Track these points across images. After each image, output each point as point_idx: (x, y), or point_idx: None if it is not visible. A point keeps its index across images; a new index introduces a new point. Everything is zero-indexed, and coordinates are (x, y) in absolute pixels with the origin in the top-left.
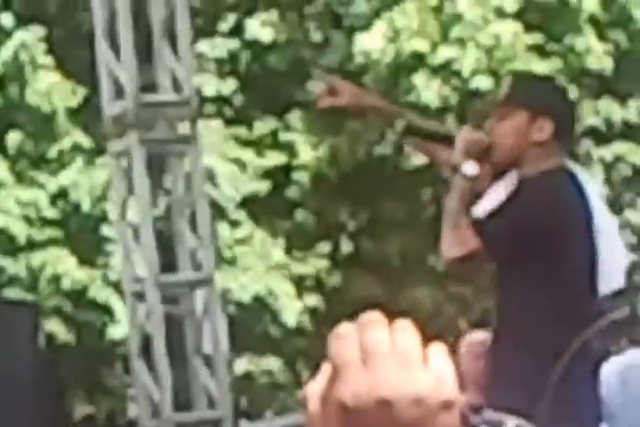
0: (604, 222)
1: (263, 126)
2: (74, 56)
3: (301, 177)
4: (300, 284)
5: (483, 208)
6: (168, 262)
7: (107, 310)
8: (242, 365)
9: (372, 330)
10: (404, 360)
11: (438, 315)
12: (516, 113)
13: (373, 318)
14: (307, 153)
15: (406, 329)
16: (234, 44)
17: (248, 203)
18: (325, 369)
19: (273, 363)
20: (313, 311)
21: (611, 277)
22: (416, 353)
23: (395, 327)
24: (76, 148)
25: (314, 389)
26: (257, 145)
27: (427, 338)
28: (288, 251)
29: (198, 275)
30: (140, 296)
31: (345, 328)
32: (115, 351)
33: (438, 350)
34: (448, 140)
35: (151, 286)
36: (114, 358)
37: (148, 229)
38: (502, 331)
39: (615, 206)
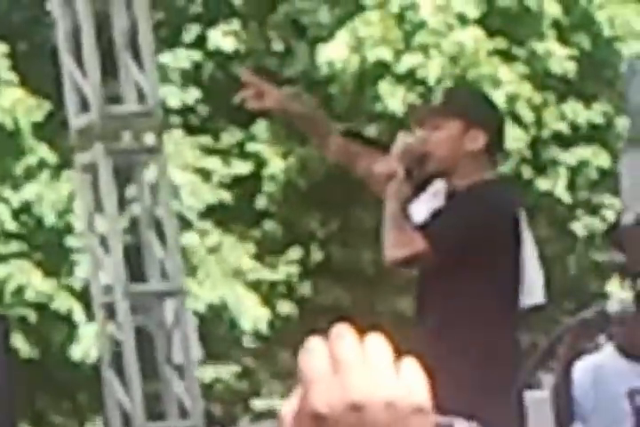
0: (528, 239)
1: (229, 137)
2: (38, 71)
3: (270, 187)
4: (269, 291)
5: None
6: (137, 273)
7: (70, 322)
8: (207, 372)
9: (342, 341)
10: (375, 367)
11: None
12: (450, 123)
13: (342, 330)
14: (275, 163)
15: (377, 340)
16: (197, 54)
17: (215, 212)
18: (297, 391)
19: (234, 370)
20: (284, 318)
21: (532, 291)
22: (387, 361)
23: (365, 339)
24: (42, 163)
25: (287, 409)
26: (223, 154)
27: (396, 344)
28: (258, 258)
29: (167, 285)
30: (109, 307)
31: (314, 342)
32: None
33: (410, 361)
34: (382, 147)
35: (120, 296)
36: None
37: (117, 240)
38: (437, 334)
39: (584, 209)
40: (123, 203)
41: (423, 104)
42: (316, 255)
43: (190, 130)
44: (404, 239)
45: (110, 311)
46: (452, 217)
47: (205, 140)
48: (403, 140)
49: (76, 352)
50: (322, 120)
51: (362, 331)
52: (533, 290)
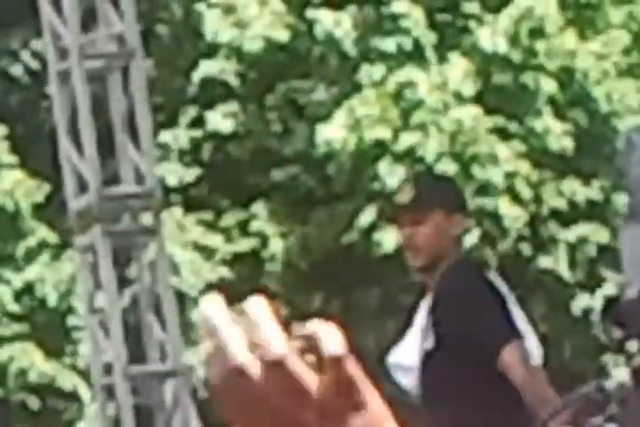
0: (515, 308)
1: (231, 216)
2: (37, 153)
3: (271, 267)
4: None
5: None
6: (137, 354)
7: (75, 399)
8: None
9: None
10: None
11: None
12: (431, 215)
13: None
14: (276, 243)
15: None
16: (196, 134)
17: (218, 288)
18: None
19: None
20: None
21: (533, 354)
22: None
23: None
24: (43, 244)
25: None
26: (225, 232)
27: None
28: None
29: (167, 366)
30: (109, 389)
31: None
32: None
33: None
34: None
35: (120, 377)
36: None
37: (116, 320)
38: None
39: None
40: (123, 282)
41: (396, 205)
42: None
43: (191, 207)
44: None
45: (110, 392)
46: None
47: (207, 216)
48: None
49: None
50: None
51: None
52: (534, 352)
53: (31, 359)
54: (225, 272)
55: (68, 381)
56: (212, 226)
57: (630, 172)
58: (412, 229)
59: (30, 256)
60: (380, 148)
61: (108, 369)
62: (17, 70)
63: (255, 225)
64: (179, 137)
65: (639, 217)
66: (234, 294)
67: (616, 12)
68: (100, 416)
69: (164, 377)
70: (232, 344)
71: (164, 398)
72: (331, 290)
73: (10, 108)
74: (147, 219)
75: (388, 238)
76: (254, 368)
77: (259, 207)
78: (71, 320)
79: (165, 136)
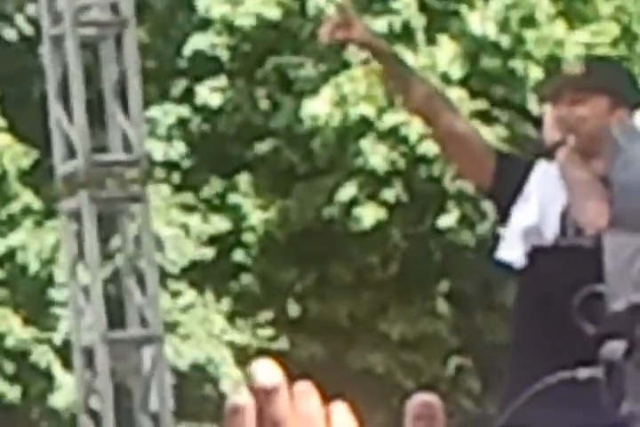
0: None
1: (211, 189)
2: (26, 118)
3: (250, 239)
4: (241, 353)
5: None
6: (116, 321)
7: (48, 377)
8: None
9: (271, 397)
10: (306, 422)
11: (386, 379)
12: (594, 97)
13: (270, 384)
14: (255, 215)
15: (306, 392)
16: (184, 109)
17: (191, 269)
18: None
19: None
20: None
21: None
22: (317, 414)
23: (295, 392)
24: (27, 210)
25: None
26: (203, 210)
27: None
28: (231, 318)
29: (146, 332)
30: (88, 353)
31: (240, 399)
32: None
33: (340, 408)
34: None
35: (100, 342)
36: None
37: (98, 286)
38: None
39: None
40: (106, 252)
41: (558, 77)
42: (293, 310)
43: (173, 186)
44: (604, 209)
45: (89, 357)
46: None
47: (187, 197)
48: (552, 111)
49: (57, 401)
50: (402, 62)
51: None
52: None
53: (9, 325)
54: (207, 251)
55: (43, 358)
56: (191, 206)
57: (615, 177)
58: (569, 110)
59: (14, 222)
60: (365, 125)
61: (87, 334)
62: (10, 34)
63: (234, 198)
64: (168, 112)
65: (623, 224)
66: (212, 272)
67: (606, 5)
68: (78, 380)
69: (143, 343)
70: None
71: (142, 366)
72: (306, 263)
73: (1, 71)
74: (133, 188)
75: (367, 215)
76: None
77: (241, 179)
78: (51, 293)
79: (154, 111)
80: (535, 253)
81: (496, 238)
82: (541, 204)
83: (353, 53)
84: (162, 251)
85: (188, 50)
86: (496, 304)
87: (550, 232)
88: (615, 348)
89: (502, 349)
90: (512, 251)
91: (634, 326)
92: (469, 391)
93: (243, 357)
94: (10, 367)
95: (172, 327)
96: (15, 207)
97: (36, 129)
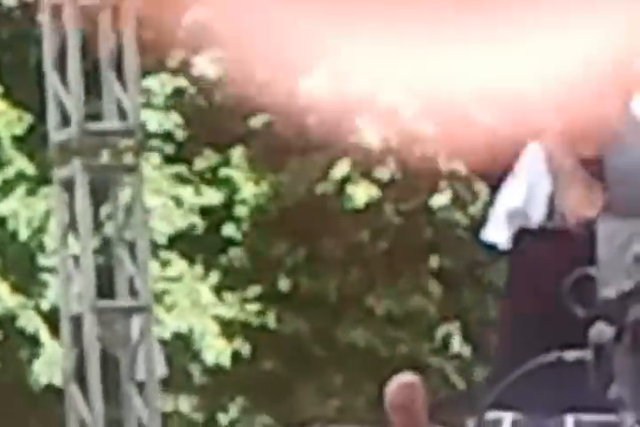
0: None
1: (204, 161)
2: (22, 85)
3: (241, 212)
4: (227, 327)
5: None
6: (106, 289)
7: (34, 342)
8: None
9: None
10: None
11: (371, 356)
12: None
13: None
14: (248, 189)
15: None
16: (182, 81)
17: (182, 240)
18: None
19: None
20: (238, 354)
21: None
22: None
23: None
24: (20, 175)
25: None
26: (196, 182)
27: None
28: (219, 292)
29: (135, 302)
30: (76, 321)
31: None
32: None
33: None
34: None
35: (88, 310)
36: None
37: (88, 254)
38: None
39: None
40: (98, 221)
41: None
42: (283, 284)
43: (166, 158)
44: (594, 198)
45: (77, 325)
46: None
47: (180, 168)
48: None
49: (40, 369)
50: None
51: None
52: None
53: None
54: (196, 219)
55: (30, 323)
56: (183, 178)
57: (611, 163)
58: None
59: (8, 187)
60: (361, 102)
61: (76, 302)
62: (9, 0)
63: (226, 171)
64: (164, 83)
65: (618, 210)
66: (203, 244)
67: None
68: (67, 348)
69: (131, 313)
70: None
71: (130, 335)
72: (297, 238)
73: None
74: (127, 158)
75: (360, 193)
76: None
77: (235, 153)
78: (41, 260)
79: (150, 82)
80: (522, 235)
81: (487, 219)
82: (529, 185)
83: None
84: (149, 220)
85: (186, 20)
86: (484, 282)
87: (537, 214)
88: (604, 331)
89: (491, 326)
90: (498, 232)
91: (624, 313)
92: (456, 367)
93: (229, 330)
94: None
95: (158, 297)
96: (9, 172)
97: (32, 95)
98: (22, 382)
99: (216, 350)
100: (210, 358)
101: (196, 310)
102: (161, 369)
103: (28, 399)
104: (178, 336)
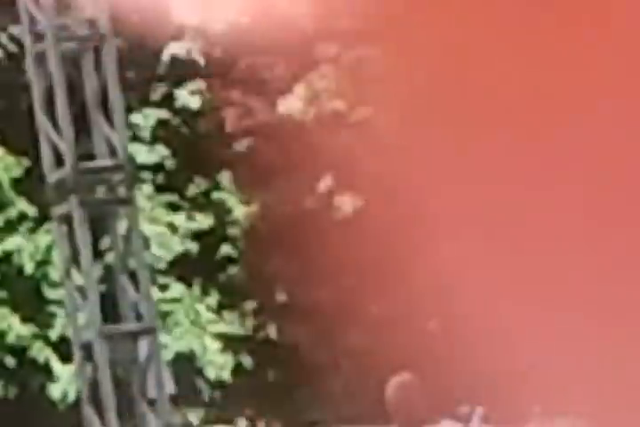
0: None
1: (195, 188)
2: (15, 131)
3: (235, 232)
4: (228, 342)
5: None
6: (111, 316)
7: (47, 370)
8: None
9: None
10: None
11: (370, 356)
12: None
13: None
14: (238, 210)
15: None
16: (164, 113)
17: (178, 264)
18: None
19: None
20: (239, 366)
21: None
22: None
23: None
24: (22, 216)
25: None
26: (189, 207)
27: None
28: (218, 310)
29: (141, 325)
30: (86, 348)
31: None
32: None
33: None
34: None
35: (97, 336)
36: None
37: (93, 283)
38: None
39: None
40: (98, 252)
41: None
42: (280, 297)
43: (158, 187)
44: None
45: (88, 352)
46: None
47: (172, 197)
48: None
49: (55, 392)
50: None
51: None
52: None
53: (9, 322)
54: (191, 245)
55: (41, 354)
56: (176, 205)
57: None
58: None
59: (10, 227)
60: (337, 118)
61: (84, 330)
62: None
63: (218, 194)
64: (148, 117)
65: None
66: (199, 266)
67: None
68: (79, 374)
69: (138, 335)
70: None
71: (138, 356)
72: (290, 252)
73: None
74: (120, 191)
75: (347, 202)
76: None
77: (223, 177)
78: (47, 292)
79: (136, 118)
80: None
81: None
82: None
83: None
84: (148, 248)
85: (166, 56)
86: None
87: None
88: None
89: None
90: None
91: None
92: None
93: (231, 346)
94: (11, 362)
95: (161, 318)
96: (11, 213)
97: (26, 140)
98: (38, 404)
99: (218, 366)
100: (212, 373)
101: (196, 329)
102: (169, 386)
103: (44, 422)
104: (180, 356)
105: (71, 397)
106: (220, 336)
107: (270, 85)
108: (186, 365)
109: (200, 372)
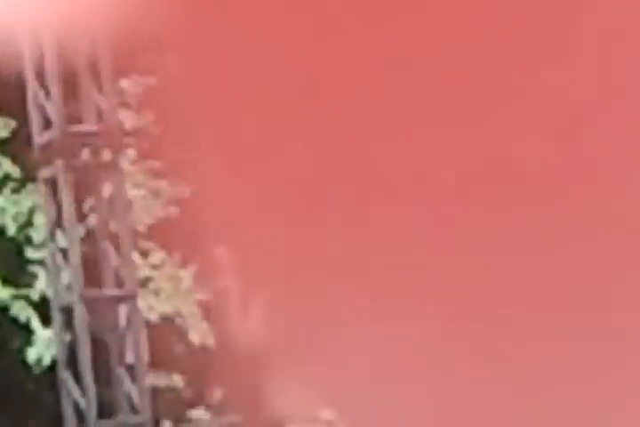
0: None
1: (177, 155)
2: (4, 92)
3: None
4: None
5: None
6: (93, 279)
7: (28, 330)
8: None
9: None
10: None
11: None
12: None
13: None
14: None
15: None
16: (151, 80)
17: (159, 229)
18: None
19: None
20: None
21: None
22: None
23: None
24: (6, 177)
25: None
26: (171, 175)
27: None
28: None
29: (121, 291)
30: (67, 310)
31: None
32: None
33: None
34: None
35: (77, 300)
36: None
37: (75, 247)
38: None
39: None
40: (81, 215)
41: None
42: None
43: (143, 153)
44: None
45: (67, 315)
46: None
47: (156, 163)
48: None
49: (31, 355)
50: None
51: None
52: None
53: None
54: (173, 210)
55: (22, 312)
56: (158, 172)
57: None
58: None
59: None
60: None
61: (65, 293)
62: None
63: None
64: (135, 83)
65: None
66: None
67: None
68: (57, 337)
69: (118, 301)
70: None
71: (118, 322)
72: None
73: None
74: (106, 156)
75: None
76: None
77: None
78: (29, 253)
79: (123, 83)
80: None
81: None
82: None
83: None
84: (131, 214)
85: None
86: None
87: None
88: None
89: None
90: None
91: None
92: None
93: (209, 312)
94: None
95: (143, 283)
96: None
97: (15, 102)
98: (16, 367)
99: (201, 332)
100: (196, 338)
101: (180, 293)
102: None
103: (22, 384)
104: (164, 319)
105: (46, 360)
106: (202, 304)
107: None
108: (169, 328)
109: (184, 336)
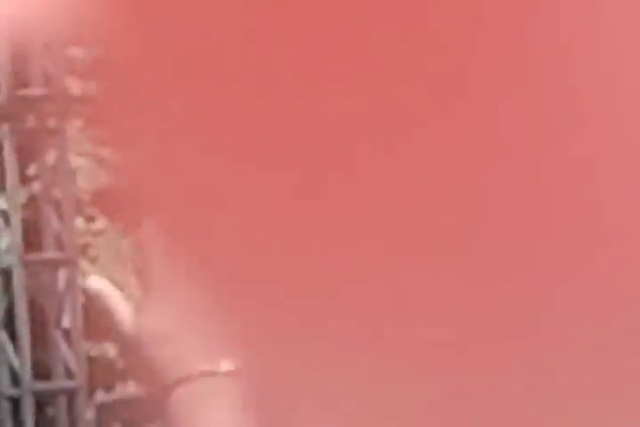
0: None
1: (124, 124)
2: None
3: None
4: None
5: None
6: (34, 245)
7: None
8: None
9: None
10: None
11: None
12: None
13: None
14: None
15: None
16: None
17: (103, 196)
18: None
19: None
20: None
21: None
22: None
23: None
24: None
25: None
26: (116, 143)
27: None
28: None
29: (61, 255)
30: (6, 273)
31: None
32: None
33: None
34: None
35: (17, 263)
36: None
37: (17, 211)
38: None
39: None
40: (25, 180)
41: None
42: None
43: (89, 120)
44: None
45: (7, 277)
46: None
47: (101, 131)
48: None
49: None
50: None
51: None
52: None
53: None
54: (117, 178)
55: None
56: (107, 140)
57: None
58: None
59: None
60: None
61: (5, 256)
62: None
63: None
64: (85, 51)
65: None
66: (122, 200)
67: None
68: None
69: (58, 265)
70: None
71: (57, 285)
72: None
73: None
74: (51, 122)
75: None
76: None
77: None
78: None
79: (72, 50)
80: None
81: None
82: None
83: None
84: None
85: None
86: None
87: None
88: None
89: None
90: None
91: None
92: None
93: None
94: None
95: (82, 250)
96: None
97: None
98: None
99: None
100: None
101: (116, 263)
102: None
103: None
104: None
105: None
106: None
107: None
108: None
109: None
